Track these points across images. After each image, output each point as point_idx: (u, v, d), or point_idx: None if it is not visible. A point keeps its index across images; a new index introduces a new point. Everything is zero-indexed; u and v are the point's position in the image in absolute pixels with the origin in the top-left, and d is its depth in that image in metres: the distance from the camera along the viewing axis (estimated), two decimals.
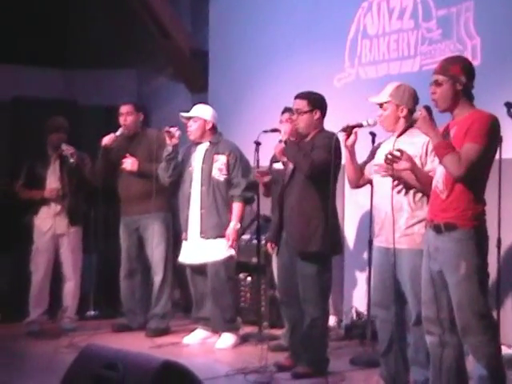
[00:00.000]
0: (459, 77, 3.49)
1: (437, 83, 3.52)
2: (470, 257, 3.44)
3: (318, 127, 4.60)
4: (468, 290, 3.43)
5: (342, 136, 4.17)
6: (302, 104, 4.58)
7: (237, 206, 5.45)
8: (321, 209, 4.47)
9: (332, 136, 4.45)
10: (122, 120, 5.86)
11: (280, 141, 4.65)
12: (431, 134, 3.49)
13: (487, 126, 3.43)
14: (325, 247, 4.45)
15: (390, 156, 3.72)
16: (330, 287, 4.62)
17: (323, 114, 4.63)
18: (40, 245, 5.89)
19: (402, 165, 3.72)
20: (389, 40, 5.80)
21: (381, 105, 4.10)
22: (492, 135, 3.44)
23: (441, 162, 3.48)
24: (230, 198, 5.45)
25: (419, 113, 3.52)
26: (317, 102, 4.60)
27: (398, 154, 3.71)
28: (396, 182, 3.89)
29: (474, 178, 3.45)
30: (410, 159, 3.74)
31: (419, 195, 3.93)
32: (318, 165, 4.40)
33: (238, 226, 5.43)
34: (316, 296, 4.50)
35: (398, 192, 3.91)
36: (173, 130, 5.43)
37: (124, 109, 5.87)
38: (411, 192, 3.94)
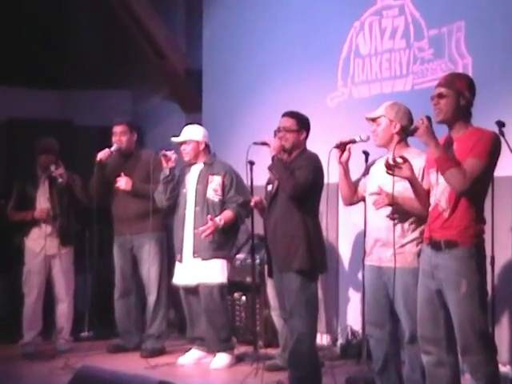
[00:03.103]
0: (464, 92, 3.51)
1: (441, 96, 3.51)
2: (471, 275, 3.44)
3: (301, 147, 4.65)
4: (469, 308, 3.43)
5: (335, 153, 4.19)
6: (291, 122, 4.63)
7: (227, 212, 5.44)
8: (303, 227, 4.49)
9: (315, 156, 4.50)
10: (115, 139, 5.87)
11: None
12: (432, 144, 3.47)
13: (491, 144, 3.45)
14: (307, 264, 4.46)
15: (392, 162, 3.65)
16: (315, 303, 4.57)
17: (308, 136, 4.68)
18: (32, 266, 5.88)
19: (404, 172, 3.64)
20: (381, 59, 5.84)
21: (375, 120, 4.12)
22: (494, 153, 3.47)
23: (442, 175, 3.46)
24: (224, 208, 5.45)
25: (420, 121, 3.50)
26: (304, 123, 4.66)
27: (400, 160, 3.65)
28: (392, 211, 3.88)
29: (475, 194, 3.46)
30: (411, 168, 3.67)
31: (413, 218, 3.95)
32: (300, 186, 4.45)
33: (222, 222, 5.38)
34: (301, 310, 4.47)
35: (393, 219, 3.91)
36: (169, 153, 5.45)
37: (118, 128, 5.89)
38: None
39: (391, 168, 3.65)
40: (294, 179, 4.45)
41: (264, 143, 4.67)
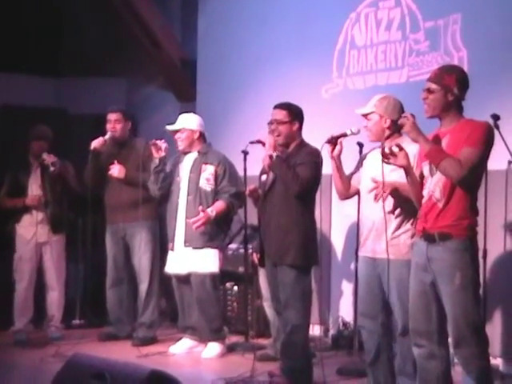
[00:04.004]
0: (452, 88, 3.49)
1: (429, 91, 3.51)
2: (465, 267, 3.43)
3: (296, 139, 4.60)
4: (463, 301, 3.42)
5: (327, 147, 4.18)
6: (282, 114, 4.58)
7: (219, 203, 5.43)
8: (298, 222, 4.47)
9: (316, 151, 4.47)
10: (109, 127, 5.85)
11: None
12: (421, 139, 3.47)
13: (486, 133, 3.45)
14: (300, 259, 4.46)
15: (388, 151, 3.62)
16: (310, 295, 4.58)
17: (301, 126, 4.64)
18: (23, 253, 5.88)
19: (400, 160, 3.61)
20: (376, 51, 5.84)
21: (366, 116, 4.12)
22: (489, 142, 3.47)
23: (437, 167, 3.46)
24: (216, 199, 5.45)
25: (405, 119, 3.51)
26: (296, 114, 4.61)
27: (396, 149, 3.62)
28: (394, 203, 3.89)
29: (470, 184, 3.46)
30: (407, 156, 3.63)
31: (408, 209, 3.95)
32: (306, 184, 4.42)
33: (214, 214, 5.36)
34: (296, 303, 4.48)
35: (393, 213, 3.93)
36: (159, 142, 5.43)
37: (112, 116, 5.88)
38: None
39: (387, 156, 3.66)
40: (299, 178, 4.41)
41: (259, 141, 4.62)
